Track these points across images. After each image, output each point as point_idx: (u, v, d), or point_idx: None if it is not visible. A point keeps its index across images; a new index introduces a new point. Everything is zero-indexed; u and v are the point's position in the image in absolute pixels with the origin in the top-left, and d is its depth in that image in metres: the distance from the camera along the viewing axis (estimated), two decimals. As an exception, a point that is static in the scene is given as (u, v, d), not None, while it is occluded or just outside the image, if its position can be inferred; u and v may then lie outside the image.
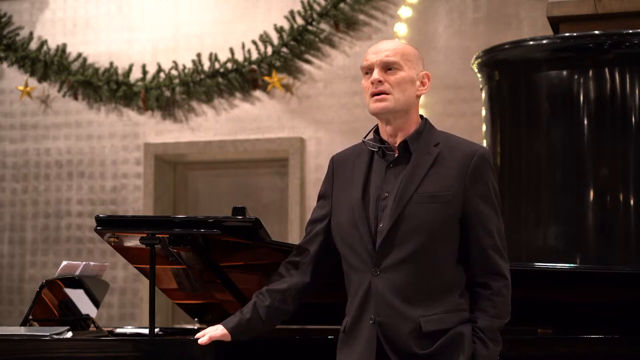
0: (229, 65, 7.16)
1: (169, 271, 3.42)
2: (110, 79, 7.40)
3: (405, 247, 2.56)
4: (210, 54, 7.23)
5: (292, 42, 7.04)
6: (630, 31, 4.60)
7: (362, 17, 7.00)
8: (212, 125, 7.28)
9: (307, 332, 3.87)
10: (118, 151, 7.46)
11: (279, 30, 7.07)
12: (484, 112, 5.08)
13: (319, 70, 7.05)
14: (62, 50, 7.53)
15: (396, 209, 2.57)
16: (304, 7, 7.04)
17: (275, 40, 7.08)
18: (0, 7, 7.76)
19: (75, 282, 3.71)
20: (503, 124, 4.92)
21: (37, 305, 3.49)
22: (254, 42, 7.11)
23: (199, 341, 2.76)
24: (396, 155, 2.65)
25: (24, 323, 3.44)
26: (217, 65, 7.21)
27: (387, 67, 2.67)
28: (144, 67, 7.33)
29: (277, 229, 7.00)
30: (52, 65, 7.53)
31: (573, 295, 3.51)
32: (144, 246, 3.01)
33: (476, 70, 5.12)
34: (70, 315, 3.68)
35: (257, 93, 7.19)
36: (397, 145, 2.66)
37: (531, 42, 4.84)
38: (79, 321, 3.68)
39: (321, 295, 2.85)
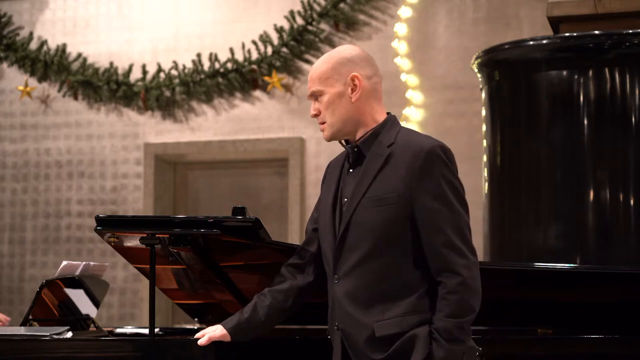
0: (229, 65, 7.16)
1: (169, 271, 3.42)
2: (110, 79, 7.40)
3: (357, 252, 2.55)
4: (210, 54, 7.23)
5: (292, 42, 7.04)
6: (630, 31, 4.60)
7: (362, 17, 7.00)
8: (212, 125, 7.28)
9: (307, 332, 3.87)
10: (118, 151, 7.46)
11: (279, 30, 7.07)
12: (484, 112, 5.08)
13: (319, 70, 7.04)
14: (62, 50, 7.53)
15: (346, 214, 2.59)
16: (304, 7, 7.04)
17: (275, 40, 7.08)
18: (0, 7, 7.76)
19: (75, 282, 3.71)
20: (503, 124, 4.92)
21: (37, 305, 3.49)
22: (254, 42, 7.11)
23: (199, 342, 2.77)
24: (351, 159, 2.66)
25: (24, 323, 3.44)
26: (217, 65, 7.21)
27: (315, 97, 2.67)
28: (144, 67, 7.33)
29: (277, 229, 7.00)
30: (52, 65, 7.53)
31: (573, 295, 3.51)
32: (144, 246, 3.01)
33: (476, 70, 5.12)
34: (70, 315, 3.68)
35: (257, 93, 7.19)
36: (353, 149, 2.66)
37: (531, 42, 4.84)
38: (79, 321, 3.68)
39: (321, 295, 2.85)
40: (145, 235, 2.99)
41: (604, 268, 3.74)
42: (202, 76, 7.24)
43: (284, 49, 7.07)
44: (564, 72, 4.67)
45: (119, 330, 4.14)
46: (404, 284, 2.53)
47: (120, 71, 7.42)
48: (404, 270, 2.53)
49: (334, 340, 2.66)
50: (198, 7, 7.37)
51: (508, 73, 4.89)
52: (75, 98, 7.55)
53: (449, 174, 2.55)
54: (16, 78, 7.67)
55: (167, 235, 3.01)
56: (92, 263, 3.79)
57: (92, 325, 3.74)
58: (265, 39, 7.08)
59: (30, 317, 3.46)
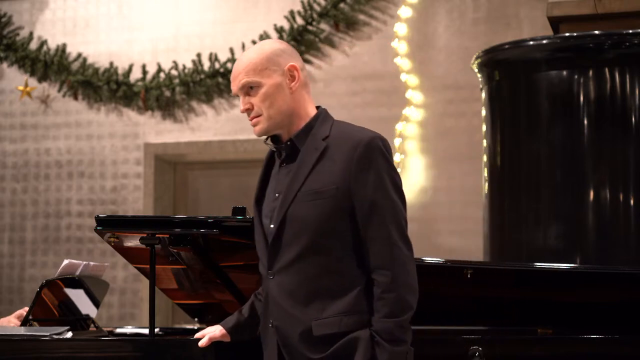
0: (229, 65, 7.16)
1: (169, 271, 3.42)
2: (110, 79, 7.40)
3: (293, 247, 2.48)
4: (210, 54, 7.23)
5: (292, 42, 7.04)
6: (630, 31, 4.60)
7: (362, 17, 7.00)
8: (212, 125, 7.28)
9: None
10: (118, 151, 7.46)
11: (279, 30, 7.07)
12: (484, 112, 5.08)
13: (319, 70, 7.05)
14: (62, 50, 7.53)
15: (281, 209, 2.50)
16: (304, 7, 7.04)
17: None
18: (0, 7, 7.76)
19: (75, 282, 3.71)
20: (503, 124, 4.92)
21: (37, 305, 3.49)
22: (254, 42, 7.10)
23: (199, 343, 2.76)
24: (284, 155, 2.58)
25: (24, 323, 3.44)
26: (217, 65, 7.21)
27: (248, 89, 2.57)
28: (144, 67, 7.33)
29: (277, 229, 6.99)
30: (52, 65, 7.53)
31: (573, 295, 3.51)
32: (144, 246, 3.02)
33: (476, 70, 5.12)
34: (70, 315, 3.68)
35: (257, 93, 7.18)
36: (286, 144, 2.58)
37: (531, 42, 4.84)
38: (79, 321, 3.68)
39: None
40: (145, 235, 3.00)
41: (604, 268, 3.74)
42: (202, 76, 7.24)
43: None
44: (564, 72, 4.67)
45: (119, 330, 4.14)
46: (343, 281, 2.45)
47: (120, 71, 7.42)
48: (343, 266, 2.46)
49: (266, 338, 2.58)
50: (198, 7, 7.37)
51: (508, 73, 4.89)
52: (75, 98, 7.55)
53: (388, 166, 2.48)
54: (16, 78, 7.67)
55: (167, 235, 3.01)
56: (92, 263, 3.79)
57: (92, 325, 3.74)
58: (265, 39, 7.08)
59: (30, 317, 3.46)
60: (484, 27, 6.73)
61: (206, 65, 7.25)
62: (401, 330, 2.42)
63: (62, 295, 3.67)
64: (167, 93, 7.33)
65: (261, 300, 2.68)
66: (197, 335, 2.83)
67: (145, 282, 7.02)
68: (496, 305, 3.62)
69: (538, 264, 3.68)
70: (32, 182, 7.63)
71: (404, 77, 6.77)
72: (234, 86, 2.59)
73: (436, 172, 6.73)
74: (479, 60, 5.02)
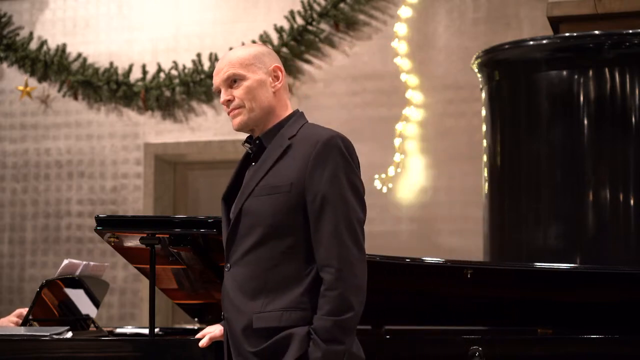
0: (229, 65, 7.15)
1: (169, 271, 3.42)
2: (110, 79, 7.40)
3: (247, 241, 2.50)
4: (210, 54, 7.23)
5: (292, 42, 7.04)
6: (630, 31, 4.60)
7: (362, 17, 7.00)
8: (212, 125, 7.28)
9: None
10: (118, 151, 7.46)
11: (279, 30, 7.07)
12: (484, 112, 5.08)
13: (319, 70, 7.05)
14: (62, 50, 7.53)
15: (238, 203, 2.54)
16: (304, 7, 7.04)
17: (275, 40, 7.08)
18: (0, 7, 7.76)
19: (75, 282, 3.71)
20: (503, 124, 4.92)
21: (37, 305, 3.49)
22: (254, 42, 7.11)
23: (200, 344, 2.77)
24: (252, 153, 2.63)
25: (24, 323, 3.44)
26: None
27: (231, 82, 2.59)
28: (144, 67, 7.33)
29: (277, 229, 6.99)
30: (52, 65, 7.53)
31: (573, 295, 3.51)
32: (144, 246, 3.02)
33: (476, 70, 5.12)
34: (70, 315, 3.68)
35: (257, 93, 7.18)
36: (255, 142, 2.62)
37: (531, 42, 4.84)
38: (79, 321, 3.68)
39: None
40: (145, 235, 3.00)
41: (604, 268, 3.74)
42: (202, 76, 7.24)
43: (284, 49, 7.07)
44: (564, 72, 4.67)
45: (119, 330, 4.14)
46: (291, 277, 2.45)
47: (120, 71, 7.42)
48: (293, 262, 2.46)
49: (224, 331, 2.61)
50: (198, 7, 7.37)
51: (508, 73, 4.89)
52: (75, 98, 7.55)
53: (346, 165, 2.47)
54: (16, 78, 7.67)
55: (167, 235, 3.01)
56: (92, 263, 3.79)
57: (92, 325, 3.74)
58: (265, 39, 7.08)
59: (30, 317, 3.46)
60: (484, 27, 6.73)
61: (206, 65, 7.25)
62: (340, 331, 2.39)
63: (62, 295, 3.67)
64: (167, 93, 7.33)
65: None
66: (197, 336, 2.83)
67: (145, 282, 7.02)
68: (496, 305, 3.62)
69: (538, 264, 3.68)
70: (32, 182, 7.63)
71: (404, 77, 6.77)
72: (218, 78, 2.62)
73: (436, 172, 6.73)
74: (479, 60, 5.02)
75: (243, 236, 2.52)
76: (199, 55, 7.24)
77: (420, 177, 6.76)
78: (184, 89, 7.28)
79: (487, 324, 3.88)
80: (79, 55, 7.52)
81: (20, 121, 7.69)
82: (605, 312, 3.52)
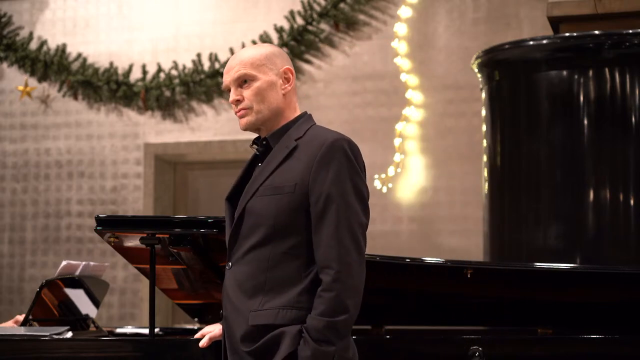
0: (229, 65, 7.15)
1: (169, 271, 3.42)
2: (110, 79, 7.40)
3: (249, 239, 2.50)
4: (210, 54, 7.23)
5: (292, 42, 7.04)
6: (630, 31, 4.60)
7: (362, 17, 7.00)
8: (212, 125, 7.28)
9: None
10: (118, 151, 7.46)
11: (279, 30, 7.07)
12: (484, 112, 5.08)
13: (319, 70, 7.05)
14: (62, 50, 7.54)
15: (241, 202, 2.55)
16: (304, 7, 7.04)
17: (275, 40, 7.08)
18: (0, 7, 7.76)
19: (75, 282, 3.71)
20: (503, 124, 4.92)
21: (37, 305, 3.49)
22: (254, 42, 7.11)
23: (200, 344, 2.77)
24: (258, 153, 2.62)
25: (24, 323, 3.44)
26: (217, 65, 7.21)
27: (241, 82, 2.58)
28: (144, 67, 7.34)
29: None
30: (52, 65, 7.53)
31: (573, 295, 3.51)
32: (144, 246, 3.02)
33: (476, 70, 5.12)
34: (70, 315, 3.68)
35: (257, 93, 7.18)
36: (262, 143, 2.62)
37: (531, 42, 4.84)
38: (79, 321, 3.68)
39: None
40: (145, 235, 3.00)
41: (604, 268, 3.74)
42: (202, 76, 7.24)
43: (284, 49, 7.07)
44: (564, 72, 4.68)
45: (119, 330, 4.15)
46: (290, 277, 2.45)
47: (120, 71, 7.43)
48: (293, 263, 2.46)
49: (223, 329, 2.61)
50: (198, 7, 7.37)
51: (508, 73, 4.89)
52: (75, 98, 7.55)
53: (350, 168, 2.47)
54: (16, 78, 7.67)
55: (167, 235, 3.01)
56: (92, 263, 3.79)
57: (92, 325, 3.74)
58: (265, 39, 7.08)
59: (30, 317, 3.46)
60: (484, 27, 6.73)
61: (206, 65, 7.25)
62: (332, 332, 2.37)
63: (62, 295, 3.67)
64: (167, 93, 7.33)
65: None
66: (197, 336, 2.83)
67: (145, 282, 7.02)
68: (496, 305, 3.62)
69: (538, 264, 3.67)
70: (32, 182, 7.63)
71: (404, 77, 6.77)
72: (228, 77, 2.61)
73: (436, 172, 6.73)
74: (479, 60, 5.02)
75: (245, 235, 2.52)
76: (199, 55, 7.24)
77: (420, 177, 6.76)
78: (184, 89, 7.28)
79: (487, 324, 3.88)
80: (79, 55, 7.52)
81: (20, 121, 7.69)
82: (605, 312, 3.52)
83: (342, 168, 2.45)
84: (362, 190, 2.49)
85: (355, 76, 6.96)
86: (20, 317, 3.56)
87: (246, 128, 2.61)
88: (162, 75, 7.32)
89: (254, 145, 2.65)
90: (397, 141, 6.75)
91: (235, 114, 2.62)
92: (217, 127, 7.27)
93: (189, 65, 7.28)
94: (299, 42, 7.05)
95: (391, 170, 6.75)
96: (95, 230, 3.07)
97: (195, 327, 3.88)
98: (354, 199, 2.45)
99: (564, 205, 4.62)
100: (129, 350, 3.08)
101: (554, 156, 4.67)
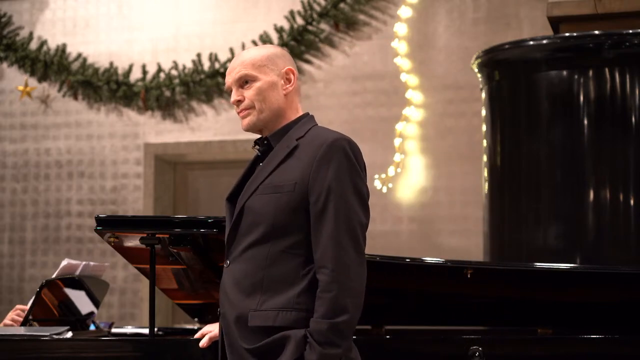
0: (229, 65, 7.15)
1: (169, 271, 3.42)
2: (110, 79, 7.41)
3: (247, 237, 2.50)
4: (210, 54, 7.23)
5: (292, 42, 7.04)
6: (630, 31, 4.60)
7: (362, 17, 7.00)
8: (212, 125, 7.28)
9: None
10: (118, 151, 7.46)
11: (279, 30, 7.08)
12: (484, 112, 5.08)
13: (319, 70, 7.05)
14: (62, 50, 7.54)
15: (240, 200, 2.55)
16: (304, 7, 7.04)
17: (275, 40, 7.08)
18: (0, 7, 7.76)
19: (75, 282, 3.71)
20: (503, 124, 4.92)
21: (37, 305, 3.49)
22: (254, 42, 7.11)
23: (200, 344, 2.77)
24: (259, 153, 2.62)
25: (24, 323, 3.44)
26: (217, 65, 7.21)
27: (243, 82, 2.60)
28: (144, 67, 7.34)
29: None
30: (52, 65, 7.53)
31: (573, 295, 3.51)
32: (144, 246, 3.02)
33: (476, 70, 5.12)
34: (70, 315, 3.68)
35: (257, 93, 7.18)
36: (263, 142, 2.62)
37: (531, 42, 4.84)
38: (79, 321, 3.68)
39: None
40: (145, 235, 3.00)
41: (604, 268, 3.74)
42: (202, 76, 7.24)
43: (286, 50, 7.07)
44: (564, 72, 4.68)
45: (119, 330, 4.14)
46: (288, 277, 2.45)
47: (120, 71, 7.43)
48: (291, 262, 2.46)
49: (219, 327, 2.61)
50: (198, 7, 7.37)
51: (508, 73, 4.89)
52: (75, 98, 7.55)
53: (350, 168, 2.46)
54: (16, 78, 7.67)
55: (167, 235, 3.01)
56: (92, 263, 3.79)
57: (92, 325, 3.74)
58: (265, 39, 7.08)
59: (30, 317, 3.46)
60: (484, 27, 6.73)
61: (206, 65, 7.25)
62: (335, 334, 2.37)
63: (62, 295, 3.67)
64: (167, 93, 7.33)
65: None
66: (196, 336, 2.84)
67: (145, 282, 7.02)
68: (496, 305, 3.62)
69: (538, 264, 3.67)
70: (32, 182, 7.63)
71: (404, 77, 6.77)
72: (230, 78, 2.63)
73: (436, 172, 6.73)
74: (479, 60, 5.02)
75: (244, 233, 2.52)
76: (199, 55, 7.24)
77: (420, 177, 6.76)
78: (184, 89, 7.28)
79: (487, 324, 3.88)
80: (79, 55, 7.53)
81: (20, 121, 7.69)
82: (605, 312, 3.51)
83: (342, 167, 2.45)
84: (362, 190, 2.48)
85: (355, 76, 6.96)
86: (21, 307, 3.56)
87: (248, 129, 2.62)
88: (162, 75, 7.32)
89: (256, 146, 2.65)
90: (397, 141, 6.75)
91: (238, 114, 2.63)
92: (217, 127, 7.27)
93: (189, 65, 7.28)
94: (299, 42, 7.05)
95: (391, 170, 6.75)
96: (95, 230, 3.07)
97: (195, 327, 3.88)
98: (354, 198, 2.45)
99: (564, 205, 4.61)
100: (129, 350, 3.08)
101: (554, 156, 4.67)
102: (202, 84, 7.24)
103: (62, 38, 7.60)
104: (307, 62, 7.06)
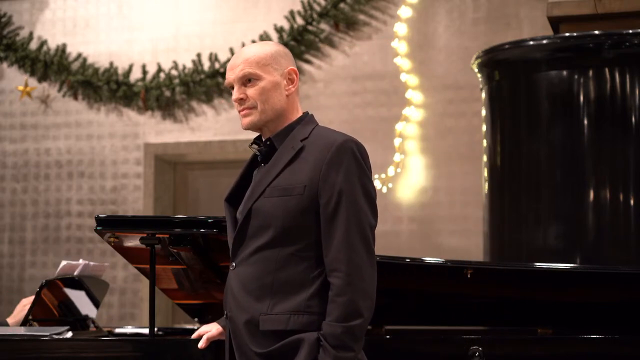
0: (229, 65, 7.15)
1: (169, 271, 3.42)
2: (110, 79, 7.41)
3: (255, 240, 2.48)
4: (210, 54, 7.23)
5: (292, 42, 7.04)
6: (630, 31, 4.60)
7: (362, 17, 7.00)
8: (212, 125, 7.28)
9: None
10: (118, 151, 7.46)
11: (279, 30, 7.07)
12: (484, 112, 5.08)
13: (319, 70, 7.05)
14: (62, 50, 7.54)
15: (247, 203, 2.52)
16: (304, 7, 7.04)
17: (275, 41, 7.08)
18: (0, 7, 7.76)
19: (75, 282, 3.71)
20: (503, 124, 4.92)
21: (37, 305, 3.49)
22: (254, 42, 7.10)
23: (199, 345, 2.76)
24: (263, 154, 2.59)
25: (24, 323, 3.44)
26: (217, 65, 7.21)
27: (246, 80, 2.55)
28: (144, 67, 7.34)
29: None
30: (52, 65, 7.53)
31: (573, 295, 3.51)
32: (144, 246, 3.02)
33: (476, 70, 5.12)
34: (70, 315, 3.68)
35: (257, 93, 7.18)
36: (265, 143, 2.59)
37: (531, 42, 4.84)
38: (79, 321, 3.68)
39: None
40: (145, 235, 3.00)
41: (604, 268, 3.74)
42: (202, 76, 7.24)
43: (284, 49, 7.07)
44: (564, 72, 4.68)
45: (119, 330, 4.14)
46: (298, 280, 2.43)
47: (120, 71, 7.43)
48: (300, 265, 2.44)
49: (226, 330, 2.59)
50: (198, 7, 7.37)
51: (508, 73, 4.89)
52: (75, 98, 7.55)
53: (359, 170, 2.46)
54: (16, 78, 7.67)
55: (167, 235, 3.01)
56: (91, 263, 3.79)
57: (92, 325, 3.74)
58: (265, 39, 7.08)
59: (30, 317, 3.46)
60: (484, 27, 6.73)
61: (206, 65, 7.25)
62: (349, 337, 2.36)
63: (62, 295, 3.67)
64: (167, 93, 7.33)
65: None
66: (194, 336, 2.83)
67: (145, 282, 7.02)
68: (496, 305, 3.62)
69: (538, 264, 3.67)
70: (32, 182, 7.63)
71: (404, 77, 6.77)
72: (232, 75, 2.58)
73: (436, 172, 6.73)
74: (479, 60, 5.02)
75: (252, 236, 2.50)
76: (199, 55, 7.24)
77: (420, 177, 6.76)
78: (184, 89, 7.28)
79: (487, 324, 3.88)
80: (79, 55, 7.52)
81: (20, 121, 7.69)
82: (605, 312, 3.52)
83: (351, 170, 2.44)
84: (370, 191, 2.48)
85: (355, 76, 6.96)
86: (26, 300, 3.56)
87: (248, 127, 2.60)
88: (162, 75, 7.32)
89: (254, 145, 2.63)
90: (397, 141, 6.75)
91: (239, 112, 2.60)
92: (217, 127, 7.27)
93: (189, 65, 7.28)
94: (299, 42, 7.05)
95: (391, 170, 6.75)
96: (95, 230, 3.07)
97: (195, 327, 3.87)
98: (364, 200, 2.45)
99: (564, 205, 4.62)
100: (129, 350, 3.08)
101: (554, 156, 4.67)
102: (202, 84, 7.24)
103: (62, 38, 7.60)
104: (307, 62, 7.06)
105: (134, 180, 7.41)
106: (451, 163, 6.69)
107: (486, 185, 5.02)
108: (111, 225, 3.08)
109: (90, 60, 7.51)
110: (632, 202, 4.53)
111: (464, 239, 6.53)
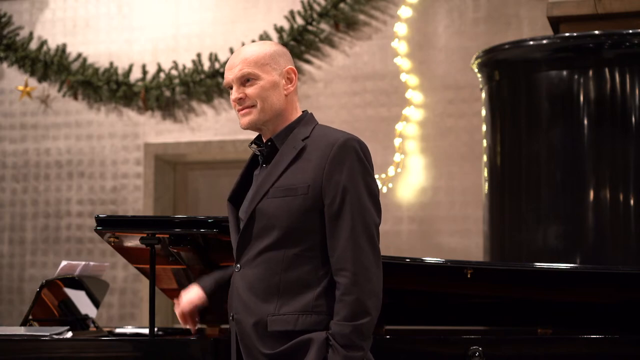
0: (229, 65, 7.15)
1: (169, 271, 3.42)
2: (110, 79, 7.41)
3: (260, 242, 2.48)
4: (210, 54, 7.23)
5: (292, 42, 7.04)
6: (630, 31, 4.60)
7: (362, 17, 7.00)
8: (212, 125, 7.28)
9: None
10: (118, 151, 7.46)
11: (279, 30, 7.08)
12: (484, 112, 5.08)
13: (319, 70, 7.05)
14: (62, 50, 7.54)
15: (251, 204, 2.52)
16: (304, 7, 7.04)
17: (275, 41, 7.08)
18: (0, 7, 7.76)
19: (75, 282, 3.71)
20: (503, 124, 4.92)
21: (37, 305, 3.49)
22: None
23: (192, 331, 2.75)
24: (264, 155, 2.59)
25: (24, 323, 3.45)
26: (217, 65, 7.21)
27: (244, 80, 2.55)
28: (144, 67, 7.34)
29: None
30: (52, 65, 7.53)
31: (573, 295, 3.51)
32: (144, 246, 3.02)
33: (476, 70, 5.12)
34: (70, 315, 3.68)
35: (257, 93, 7.18)
36: (266, 144, 2.59)
37: (531, 42, 4.84)
38: (79, 321, 3.68)
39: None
40: (145, 235, 3.00)
41: (604, 268, 3.74)
42: (202, 76, 7.24)
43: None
44: (564, 72, 4.68)
45: (119, 330, 4.14)
46: (304, 280, 2.43)
47: (120, 71, 7.43)
48: (306, 265, 2.44)
49: (231, 331, 2.59)
50: (198, 7, 7.38)
51: (508, 73, 4.89)
52: (75, 98, 7.55)
53: (362, 169, 2.47)
54: (16, 78, 7.67)
55: (167, 235, 3.01)
56: (91, 263, 3.79)
57: (92, 325, 3.74)
58: (265, 39, 7.08)
59: (30, 317, 3.46)
60: (484, 27, 6.73)
61: (206, 65, 7.25)
62: (358, 336, 2.37)
63: (62, 295, 3.67)
64: (167, 93, 7.33)
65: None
66: (178, 314, 2.83)
67: (145, 282, 7.02)
68: (496, 305, 3.62)
69: (538, 264, 3.67)
70: (32, 182, 7.63)
71: (404, 77, 6.78)
72: (230, 75, 2.57)
73: (436, 172, 6.73)
74: (479, 60, 5.02)
75: (256, 238, 2.49)
76: (199, 55, 7.24)
77: (420, 177, 6.76)
78: (184, 89, 7.28)
79: (487, 324, 3.88)
80: (79, 55, 7.53)
81: (20, 121, 7.69)
82: (605, 312, 3.52)
83: (355, 169, 2.45)
84: (374, 189, 2.50)
85: (355, 76, 6.96)
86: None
87: (247, 127, 2.59)
88: (162, 75, 7.32)
89: (254, 145, 2.63)
90: (397, 141, 6.75)
91: (238, 112, 2.59)
92: (217, 127, 7.27)
93: (189, 65, 7.28)
94: (299, 42, 7.05)
95: (391, 170, 6.75)
96: (95, 230, 3.07)
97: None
98: (368, 199, 2.47)
99: (564, 205, 4.61)
100: (129, 350, 3.08)
101: (554, 156, 4.67)
102: (202, 84, 7.24)
103: (62, 38, 7.60)
104: (307, 62, 7.06)
105: (134, 180, 7.41)
106: (451, 163, 6.69)
107: (486, 185, 5.02)
108: (111, 225, 3.08)
109: (90, 60, 7.51)
110: (632, 202, 4.53)
111: (464, 239, 6.53)
